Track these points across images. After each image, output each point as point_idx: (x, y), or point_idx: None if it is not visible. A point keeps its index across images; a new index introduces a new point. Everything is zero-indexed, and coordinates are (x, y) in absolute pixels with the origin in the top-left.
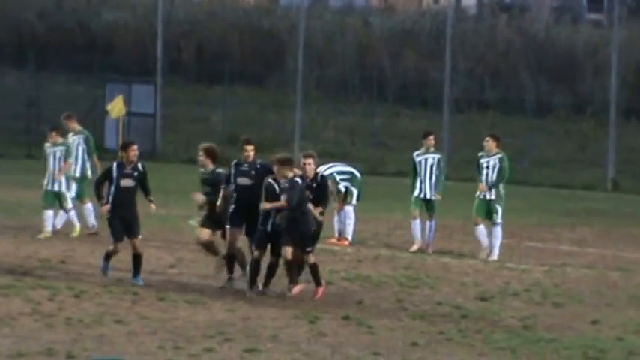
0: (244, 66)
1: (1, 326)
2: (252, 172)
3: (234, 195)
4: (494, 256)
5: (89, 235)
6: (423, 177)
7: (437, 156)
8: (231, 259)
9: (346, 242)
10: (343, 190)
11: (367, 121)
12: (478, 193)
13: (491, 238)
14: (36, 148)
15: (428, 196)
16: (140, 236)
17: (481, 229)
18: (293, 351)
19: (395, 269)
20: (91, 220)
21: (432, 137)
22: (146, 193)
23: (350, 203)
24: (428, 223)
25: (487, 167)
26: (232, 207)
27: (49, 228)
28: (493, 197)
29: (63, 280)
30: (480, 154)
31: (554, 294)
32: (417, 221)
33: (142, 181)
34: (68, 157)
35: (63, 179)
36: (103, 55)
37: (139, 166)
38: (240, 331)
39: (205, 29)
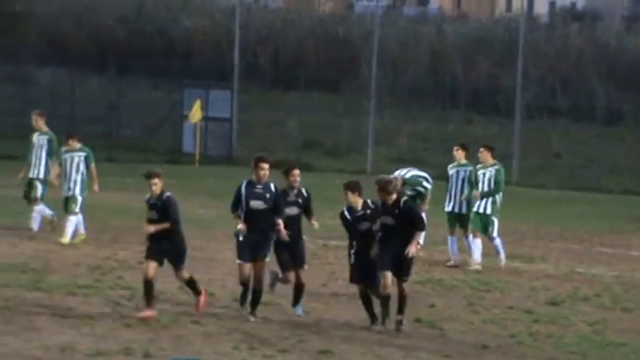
0: (319, 72)
1: (81, 326)
2: (267, 195)
3: (244, 220)
4: (476, 263)
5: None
6: (454, 190)
7: (469, 168)
8: (256, 295)
9: (417, 246)
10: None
11: (440, 127)
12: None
13: (474, 247)
14: (116, 151)
15: (461, 210)
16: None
17: (477, 242)
18: (366, 353)
19: (466, 273)
20: (44, 215)
21: (458, 149)
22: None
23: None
24: (469, 238)
25: (483, 178)
26: (241, 235)
27: (82, 230)
28: (489, 211)
29: (141, 281)
30: (478, 165)
31: (624, 299)
32: (454, 237)
33: (305, 207)
34: (91, 161)
35: (78, 184)
36: (181, 60)
37: (303, 191)
38: (314, 332)
39: (281, 36)
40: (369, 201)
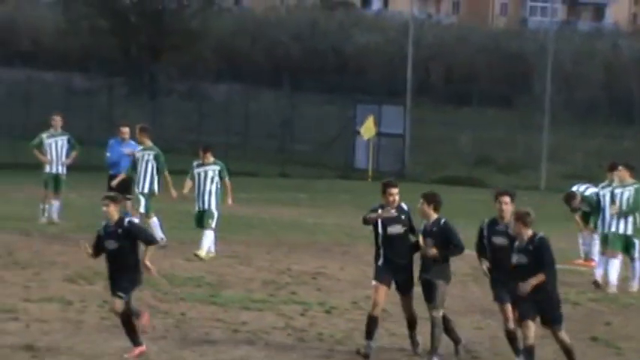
0: (492, 87)
1: (255, 340)
2: (402, 217)
3: (381, 245)
4: (635, 287)
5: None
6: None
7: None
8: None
9: (593, 263)
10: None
11: (615, 143)
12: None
13: (629, 272)
14: (290, 166)
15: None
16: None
17: (616, 263)
18: None
19: None
20: (159, 233)
21: (620, 168)
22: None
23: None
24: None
25: (621, 197)
26: (380, 258)
27: (212, 249)
28: (630, 231)
29: (314, 296)
30: (614, 184)
31: None
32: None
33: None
34: (224, 175)
35: (213, 199)
36: (354, 76)
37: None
38: (487, 349)
39: (454, 52)
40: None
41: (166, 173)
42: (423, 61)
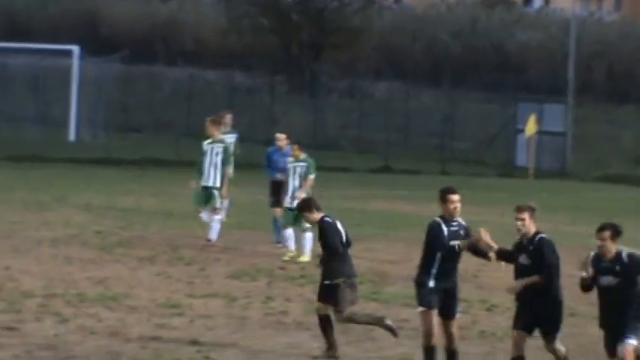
0: None
1: (417, 337)
2: (462, 232)
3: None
4: None
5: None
6: None
7: None
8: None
9: None
10: None
11: None
12: None
13: None
14: (450, 164)
15: None
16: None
17: None
18: None
19: None
20: (212, 234)
21: None
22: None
23: None
24: None
25: None
26: (432, 280)
27: (292, 247)
28: None
29: (476, 294)
30: None
31: None
32: None
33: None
34: (309, 173)
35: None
36: (514, 74)
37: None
38: None
39: (616, 49)
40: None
41: (227, 168)
42: (585, 59)
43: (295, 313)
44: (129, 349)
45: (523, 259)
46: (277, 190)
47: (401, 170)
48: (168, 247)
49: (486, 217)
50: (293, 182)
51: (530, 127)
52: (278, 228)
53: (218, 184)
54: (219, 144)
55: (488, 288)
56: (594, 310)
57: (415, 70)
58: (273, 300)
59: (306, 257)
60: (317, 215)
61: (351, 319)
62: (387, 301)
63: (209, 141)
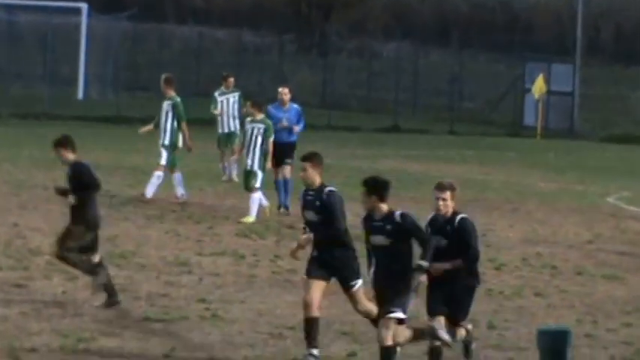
0: None
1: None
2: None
3: None
4: None
5: (177, 204)
6: None
7: None
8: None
9: None
10: None
11: None
12: None
13: None
14: (458, 124)
15: None
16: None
17: None
18: None
19: None
20: (180, 189)
21: None
22: None
23: None
24: None
25: None
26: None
27: (264, 202)
28: None
29: (484, 252)
30: None
31: None
32: None
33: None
34: (268, 135)
35: (257, 158)
36: (522, 34)
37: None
38: None
39: (624, 9)
40: None
41: (184, 124)
42: (593, 19)
43: (303, 271)
44: (137, 306)
45: (438, 239)
46: (278, 149)
47: (409, 130)
48: (177, 205)
49: (494, 176)
50: (250, 143)
51: (539, 86)
52: (280, 189)
53: (167, 143)
54: (169, 101)
55: (497, 247)
56: (603, 269)
57: (424, 30)
58: (282, 259)
59: (251, 218)
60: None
61: None
62: None
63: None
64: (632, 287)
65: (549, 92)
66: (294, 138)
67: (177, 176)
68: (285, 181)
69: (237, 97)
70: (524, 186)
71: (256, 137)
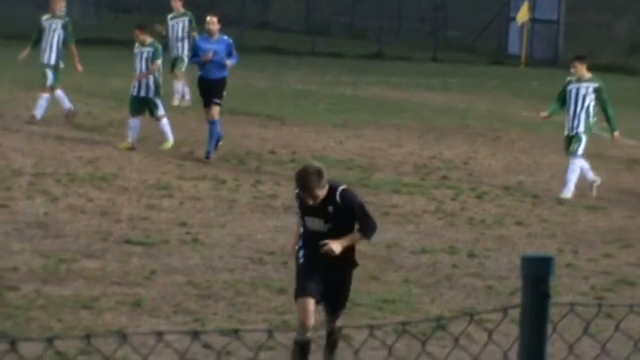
0: None
1: (405, 223)
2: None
3: None
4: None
5: (67, 118)
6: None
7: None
8: None
9: None
10: None
11: None
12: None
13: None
14: (442, 51)
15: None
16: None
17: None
18: None
19: None
20: (66, 103)
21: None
22: None
23: None
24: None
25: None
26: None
27: (132, 137)
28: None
29: (465, 181)
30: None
31: None
32: None
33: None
34: (156, 57)
35: (151, 84)
36: None
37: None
38: (639, 238)
39: None
40: None
41: (73, 45)
42: None
43: (284, 197)
44: (118, 228)
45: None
46: (206, 87)
47: (393, 57)
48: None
49: (477, 105)
50: (140, 68)
51: (523, 14)
52: (213, 132)
53: (53, 62)
54: (59, 20)
55: (479, 175)
56: (585, 199)
57: None
58: (262, 183)
59: (169, 143)
60: None
61: None
62: (376, 187)
63: (47, 17)
64: (613, 218)
65: (534, 20)
66: (224, 74)
67: (58, 93)
68: (213, 122)
69: (186, 22)
70: (508, 114)
71: (146, 60)
